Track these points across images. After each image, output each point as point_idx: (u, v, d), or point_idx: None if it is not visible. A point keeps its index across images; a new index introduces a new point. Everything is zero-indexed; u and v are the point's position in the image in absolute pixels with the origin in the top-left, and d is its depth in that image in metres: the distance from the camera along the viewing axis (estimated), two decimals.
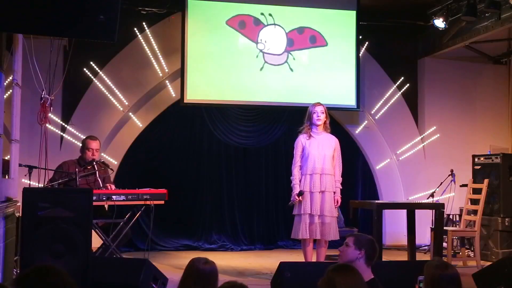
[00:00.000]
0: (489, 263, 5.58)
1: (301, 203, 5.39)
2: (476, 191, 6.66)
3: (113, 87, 7.57)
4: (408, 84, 8.50)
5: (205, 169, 8.09)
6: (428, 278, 2.90)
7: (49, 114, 4.60)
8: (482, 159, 7.30)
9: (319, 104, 5.58)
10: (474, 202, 6.62)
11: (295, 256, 6.94)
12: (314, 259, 5.41)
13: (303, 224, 5.34)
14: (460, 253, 6.87)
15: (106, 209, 5.28)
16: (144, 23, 7.59)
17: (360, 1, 7.99)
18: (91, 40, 5.12)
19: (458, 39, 7.88)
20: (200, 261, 2.91)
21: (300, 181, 5.46)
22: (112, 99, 7.58)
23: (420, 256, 6.96)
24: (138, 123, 7.79)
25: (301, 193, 5.38)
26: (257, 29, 7.74)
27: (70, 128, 7.36)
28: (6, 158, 4.56)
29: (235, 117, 8.03)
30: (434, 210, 6.24)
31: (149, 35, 7.63)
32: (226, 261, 6.72)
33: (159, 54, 7.69)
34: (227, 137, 8.01)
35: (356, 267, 3.15)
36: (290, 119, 7.94)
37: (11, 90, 4.28)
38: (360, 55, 8.11)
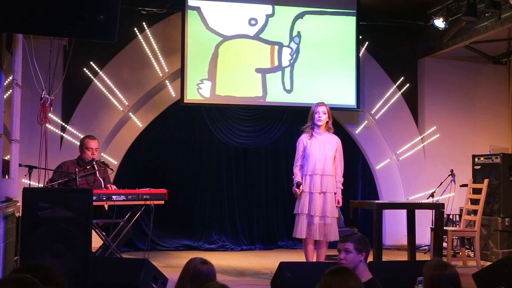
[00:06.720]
0: (489, 263, 5.57)
1: (300, 202, 5.39)
2: (476, 191, 6.66)
3: (113, 87, 7.57)
4: (408, 84, 8.49)
5: (205, 169, 8.08)
6: (427, 278, 2.90)
7: (49, 114, 4.60)
8: (482, 159, 7.30)
9: (322, 104, 5.53)
10: (474, 202, 6.62)
11: (295, 256, 6.94)
12: (314, 259, 5.41)
13: (301, 224, 5.34)
14: (460, 253, 6.87)
15: (106, 209, 5.29)
16: (144, 23, 7.59)
17: (360, 1, 7.98)
18: (91, 40, 5.12)
19: (458, 39, 7.87)
20: (198, 261, 2.91)
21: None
22: (112, 99, 7.58)
23: (420, 256, 6.96)
24: (138, 123, 7.79)
25: (299, 184, 5.38)
26: (257, 29, 7.74)
27: (70, 128, 7.36)
28: (6, 158, 4.56)
29: (235, 117, 8.03)
30: (434, 210, 6.24)
31: (149, 35, 7.63)
32: (226, 261, 6.72)
33: (159, 54, 7.69)
34: (227, 137, 8.00)
35: (358, 269, 3.17)
36: (290, 119, 7.95)
37: (11, 90, 4.28)
38: (360, 55, 8.10)
